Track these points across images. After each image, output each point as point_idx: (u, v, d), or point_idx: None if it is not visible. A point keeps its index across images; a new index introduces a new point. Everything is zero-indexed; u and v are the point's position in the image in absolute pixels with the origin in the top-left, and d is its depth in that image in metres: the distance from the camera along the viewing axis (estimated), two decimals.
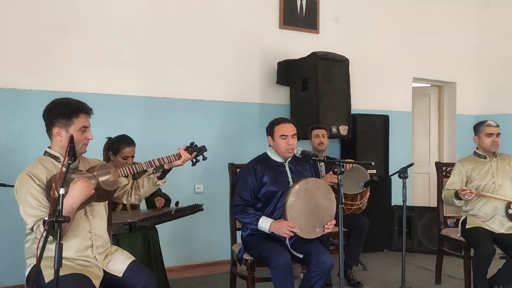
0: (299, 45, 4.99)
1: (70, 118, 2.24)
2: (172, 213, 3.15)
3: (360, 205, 3.90)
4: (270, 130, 3.10)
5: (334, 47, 4.91)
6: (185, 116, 4.49)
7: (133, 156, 3.30)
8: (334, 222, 2.91)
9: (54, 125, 2.25)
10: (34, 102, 3.68)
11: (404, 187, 3.25)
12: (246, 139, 4.75)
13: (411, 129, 5.99)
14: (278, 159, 3.10)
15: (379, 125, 5.27)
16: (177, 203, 3.43)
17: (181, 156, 2.47)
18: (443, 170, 4.02)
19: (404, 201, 3.25)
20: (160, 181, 2.51)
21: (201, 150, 2.63)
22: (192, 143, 2.62)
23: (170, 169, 2.52)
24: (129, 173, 2.35)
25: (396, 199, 5.42)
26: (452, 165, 3.95)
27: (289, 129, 3.05)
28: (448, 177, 3.89)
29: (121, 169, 2.34)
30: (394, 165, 5.14)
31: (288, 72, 4.89)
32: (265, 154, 3.16)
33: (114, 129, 3.67)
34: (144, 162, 2.42)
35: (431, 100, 6.47)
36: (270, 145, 3.14)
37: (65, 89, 3.81)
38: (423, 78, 6.09)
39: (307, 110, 4.70)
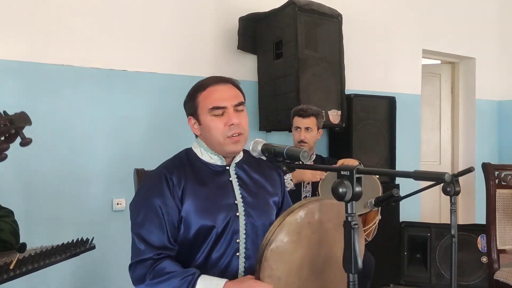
0: None
1: None
2: (11, 267, 1.57)
3: (364, 234, 2.37)
4: (190, 102, 1.57)
5: (319, 0, 3.45)
6: (96, 93, 3.03)
7: None
8: None
9: None
10: None
11: (453, 209, 1.89)
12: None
13: (420, 118, 4.59)
14: (214, 159, 1.58)
15: (382, 110, 3.84)
16: (21, 248, 1.74)
17: None
18: (496, 176, 2.57)
19: (453, 235, 1.84)
20: None
21: (14, 122, 1.13)
22: None
23: None
24: None
25: (406, 214, 3.97)
26: (510, 167, 2.56)
27: (225, 94, 1.52)
28: (504, 186, 2.53)
29: None
30: (401, 167, 3.86)
31: (255, 33, 3.50)
32: (188, 151, 1.63)
33: None
34: None
35: (442, 81, 5.11)
36: (196, 136, 1.62)
37: None
38: (435, 51, 4.72)
39: (282, 88, 3.30)
